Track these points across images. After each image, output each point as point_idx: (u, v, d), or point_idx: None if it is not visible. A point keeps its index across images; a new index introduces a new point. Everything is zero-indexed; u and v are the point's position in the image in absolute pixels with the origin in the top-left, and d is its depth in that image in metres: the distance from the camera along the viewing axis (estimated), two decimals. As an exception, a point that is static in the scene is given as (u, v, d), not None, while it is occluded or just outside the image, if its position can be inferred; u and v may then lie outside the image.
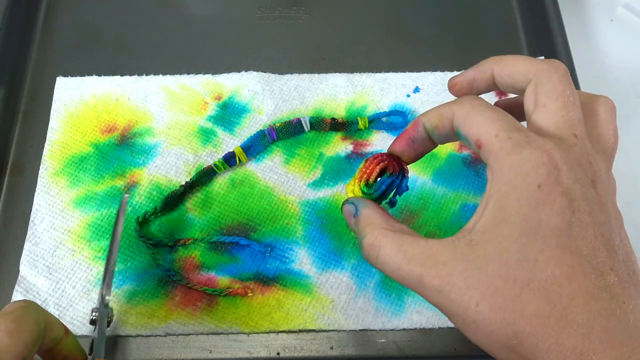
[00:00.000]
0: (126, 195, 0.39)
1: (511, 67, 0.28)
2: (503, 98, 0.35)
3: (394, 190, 0.30)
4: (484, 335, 0.23)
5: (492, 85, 0.29)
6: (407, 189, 0.30)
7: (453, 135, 0.28)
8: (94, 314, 0.35)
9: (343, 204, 0.30)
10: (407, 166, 0.30)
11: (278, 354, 0.37)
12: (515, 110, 0.30)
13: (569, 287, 0.22)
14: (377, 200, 0.30)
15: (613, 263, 0.23)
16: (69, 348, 0.30)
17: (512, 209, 0.23)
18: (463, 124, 0.26)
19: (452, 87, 0.31)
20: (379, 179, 0.30)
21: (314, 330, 0.38)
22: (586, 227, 0.23)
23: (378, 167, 0.29)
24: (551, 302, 0.22)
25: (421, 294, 0.25)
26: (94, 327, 0.35)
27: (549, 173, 0.23)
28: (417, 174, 0.43)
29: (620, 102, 0.50)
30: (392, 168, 0.29)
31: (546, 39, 0.48)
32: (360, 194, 0.30)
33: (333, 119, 0.44)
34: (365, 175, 0.29)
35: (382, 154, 0.30)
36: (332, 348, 0.37)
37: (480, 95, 0.29)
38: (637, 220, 0.43)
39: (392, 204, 0.31)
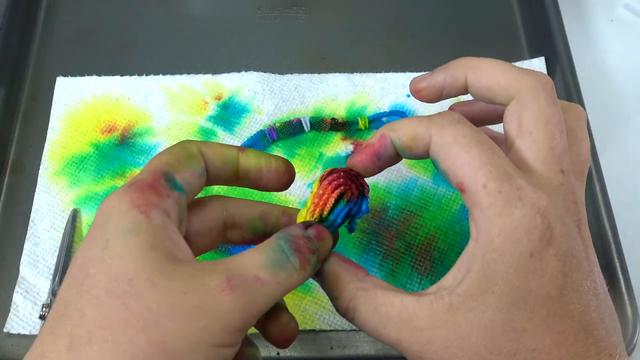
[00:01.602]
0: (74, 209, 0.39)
1: (489, 78, 0.25)
2: (460, 102, 0.31)
3: (353, 216, 0.27)
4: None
5: (464, 92, 0.27)
6: (368, 211, 0.28)
7: (426, 156, 0.26)
8: (44, 309, 0.36)
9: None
10: (368, 184, 0.27)
11: (278, 354, 0.37)
12: (479, 117, 0.29)
13: (558, 352, 0.21)
14: (334, 228, 0.27)
15: (600, 311, 0.22)
16: (254, 163, 0.27)
17: (500, 279, 0.21)
18: (444, 158, 0.24)
19: (416, 92, 0.28)
20: (335, 207, 0.27)
21: (314, 330, 0.38)
22: (578, 287, 0.22)
23: (334, 194, 0.26)
24: None
25: (404, 354, 0.24)
26: (42, 322, 0.36)
27: (541, 237, 0.21)
28: (418, 175, 0.43)
29: (620, 102, 0.50)
30: (350, 193, 0.27)
31: (546, 39, 0.48)
32: None
33: (333, 119, 0.44)
34: (319, 207, 0.27)
35: (338, 174, 0.27)
36: (332, 348, 0.37)
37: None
38: (637, 220, 0.43)
39: (351, 230, 0.29)
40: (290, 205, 0.41)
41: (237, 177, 0.27)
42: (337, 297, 0.25)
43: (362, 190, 0.27)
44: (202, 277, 0.21)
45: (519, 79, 0.24)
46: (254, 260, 0.22)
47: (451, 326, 0.22)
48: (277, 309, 0.26)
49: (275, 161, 0.27)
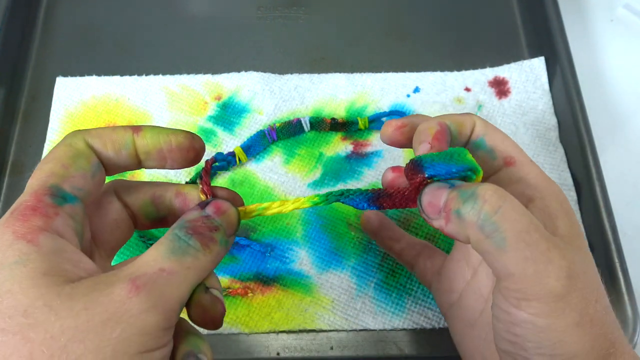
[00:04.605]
0: None
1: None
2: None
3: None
4: (592, 339, 0.23)
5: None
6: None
7: (462, 144, 0.28)
8: None
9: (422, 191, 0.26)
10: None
11: (278, 354, 0.37)
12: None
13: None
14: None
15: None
16: (153, 144, 0.25)
17: (580, 229, 0.26)
18: (492, 138, 0.28)
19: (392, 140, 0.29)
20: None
21: (314, 330, 0.38)
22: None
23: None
24: None
25: (530, 273, 0.22)
26: None
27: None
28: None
29: (620, 102, 0.50)
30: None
31: (546, 39, 0.48)
32: None
33: (333, 119, 0.44)
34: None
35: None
36: (332, 348, 0.37)
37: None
38: (637, 220, 0.43)
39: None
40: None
41: (138, 162, 0.26)
42: (482, 184, 0.24)
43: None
44: (104, 288, 0.20)
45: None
46: (154, 255, 0.22)
47: (581, 254, 0.24)
48: (198, 293, 0.23)
49: (175, 138, 0.25)
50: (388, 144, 0.29)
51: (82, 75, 0.47)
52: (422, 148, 0.26)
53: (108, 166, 0.25)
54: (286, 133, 0.44)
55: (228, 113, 0.45)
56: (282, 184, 0.42)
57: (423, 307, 0.38)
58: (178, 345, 0.23)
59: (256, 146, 0.43)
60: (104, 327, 0.19)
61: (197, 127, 0.45)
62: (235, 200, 0.28)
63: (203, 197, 0.27)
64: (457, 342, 0.31)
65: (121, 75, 0.47)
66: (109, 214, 0.26)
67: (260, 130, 0.44)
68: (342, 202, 0.28)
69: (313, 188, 0.42)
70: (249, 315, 0.38)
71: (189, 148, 0.26)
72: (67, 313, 0.19)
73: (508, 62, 0.48)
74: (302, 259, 0.40)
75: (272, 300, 0.38)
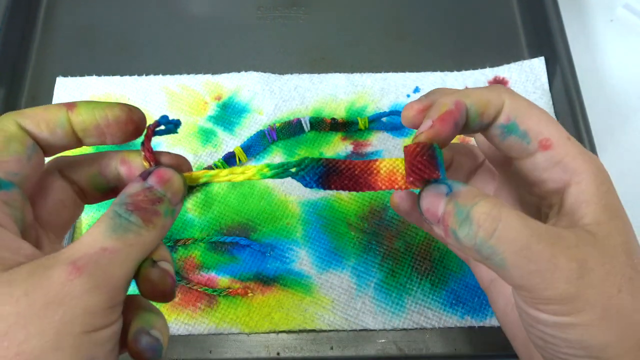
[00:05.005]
0: None
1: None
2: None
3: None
4: (621, 328, 0.22)
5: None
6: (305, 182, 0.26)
7: (485, 127, 0.26)
8: None
9: (420, 194, 0.25)
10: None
11: (278, 354, 0.37)
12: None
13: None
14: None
15: None
16: (89, 120, 0.24)
17: (618, 206, 0.24)
18: (525, 119, 0.25)
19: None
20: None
21: (314, 330, 0.38)
22: None
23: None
24: None
25: (538, 282, 0.22)
26: None
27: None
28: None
29: (620, 102, 0.50)
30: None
31: (546, 39, 0.48)
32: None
33: (333, 119, 0.44)
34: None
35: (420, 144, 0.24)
36: (332, 348, 0.37)
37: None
38: (638, 220, 0.43)
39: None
40: (290, 205, 0.41)
41: (77, 140, 0.25)
42: (477, 202, 0.22)
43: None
44: (44, 272, 0.20)
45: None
46: (94, 235, 0.21)
47: (600, 247, 0.22)
48: (145, 267, 0.23)
49: (111, 112, 0.24)
50: (410, 127, 0.27)
51: (82, 75, 0.47)
52: (423, 126, 0.25)
53: (45, 147, 0.24)
54: (286, 133, 0.44)
55: (228, 113, 0.45)
56: (282, 184, 0.42)
57: (423, 307, 0.38)
58: (131, 322, 0.23)
59: (256, 146, 0.43)
60: (46, 311, 0.19)
61: (197, 127, 0.45)
62: (181, 165, 0.26)
63: (146, 164, 0.26)
64: (500, 320, 0.30)
65: (121, 75, 0.47)
66: (54, 194, 0.26)
67: (260, 130, 0.44)
68: (294, 179, 0.26)
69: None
70: (249, 315, 0.38)
71: (127, 121, 0.25)
72: (6, 300, 0.19)
73: (508, 62, 0.48)
74: (302, 259, 0.40)
75: (272, 300, 0.38)
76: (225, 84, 0.46)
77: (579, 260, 0.22)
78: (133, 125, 0.25)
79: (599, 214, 0.24)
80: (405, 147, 0.25)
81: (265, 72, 0.47)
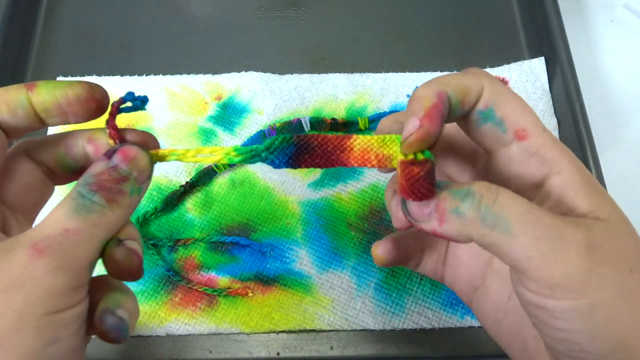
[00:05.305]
0: None
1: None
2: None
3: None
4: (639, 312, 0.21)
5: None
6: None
7: (465, 115, 0.25)
8: None
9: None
10: None
11: (278, 354, 0.37)
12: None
13: None
14: None
15: None
16: (50, 99, 0.24)
17: (604, 190, 0.24)
18: (502, 106, 0.24)
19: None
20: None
21: (314, 330, 0.38)
22: None
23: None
24: None
25: (547, 252, 0.21)
26: None
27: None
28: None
29: (620, 102, 0.50)
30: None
31: (546, 39, 0.48)
32: None
33: (333, 119, 0.44)
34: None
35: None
36: (332, 348, 0.37)
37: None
38: (638, 220, 0.43)
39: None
40: (290, 205, 0.41)
41: (40, 120, 0.24)
42: (472, 184, 0.22)
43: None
44: (4, 255, 0.20)
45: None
46: (57, 216, 0.21)
47: (602, 226, 0.22)
48: (111, 247, 0.23)
49: (72, 90, 0.24)
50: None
51: (82, 75, 0.47)
52: (411, 126, 0.23)
53: (8, 130, 0.24)
54: (286, 133, 0.44)
55: (228, 113, 0.45)
56: (282, 184, 0.42)
57: (423, 307, 0.38)
58: (97, 302, 0.22)
59: (256, 146, 0.43)
60: (7, 294, 0.19)
61: (197, 127, 0.45)
62: (148, 142, 0.26)
63: (112, 142, 0.25)
64: (492, 330, 0.29)
65: (121, 75, 0.47)
66: (21, 177, 0.25)
67: (261, 130, 0.44)
68: (263, 163, 0.25)
69: (313, 188, 0.42)
70: (249, 315, 0.38)
71: (88, 99, 0.24)
72: None
73: (508, 62, 0.48)
74: (302, 259, 0.40)
75: (272, 300, 0.38)
76: (225, 84, 0.46)
77: (584, 234, 0.21)
78: (95, 102, 0.24)
79: (591, 199, 0.23)
80: (401, 162, 0.23)
81: (265, 72, 0.47)
